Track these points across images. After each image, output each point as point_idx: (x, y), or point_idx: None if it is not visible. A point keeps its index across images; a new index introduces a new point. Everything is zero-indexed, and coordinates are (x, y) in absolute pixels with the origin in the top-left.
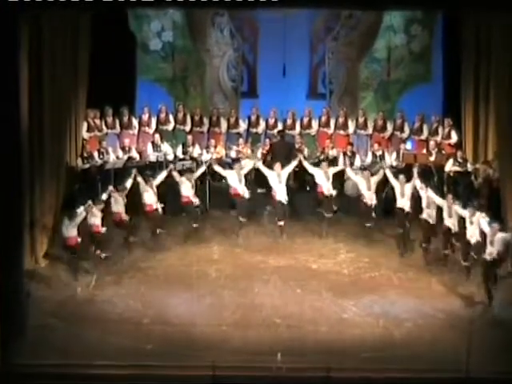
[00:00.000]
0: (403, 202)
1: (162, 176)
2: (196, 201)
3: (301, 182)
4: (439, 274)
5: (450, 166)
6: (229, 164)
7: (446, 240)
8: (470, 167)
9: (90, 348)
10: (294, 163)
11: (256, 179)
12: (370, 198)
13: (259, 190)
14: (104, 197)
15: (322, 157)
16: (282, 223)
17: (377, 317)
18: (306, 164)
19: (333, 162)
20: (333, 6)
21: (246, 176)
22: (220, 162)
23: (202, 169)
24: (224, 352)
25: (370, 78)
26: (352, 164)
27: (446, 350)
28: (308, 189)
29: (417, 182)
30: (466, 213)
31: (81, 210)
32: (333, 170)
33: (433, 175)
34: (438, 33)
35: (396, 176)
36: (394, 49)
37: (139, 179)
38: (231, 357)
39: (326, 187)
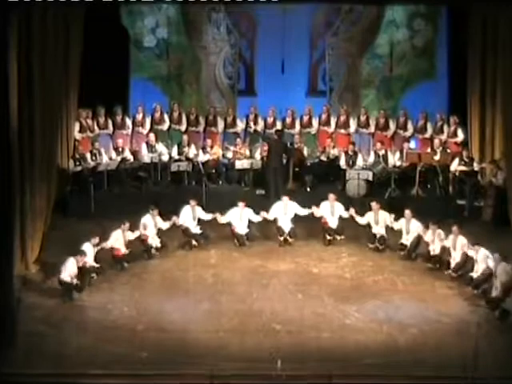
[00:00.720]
0: (407, 237)
1: (165, 225)
2: (197, 231)
3: (300, 183)
4: (444, 277)
5: (455, 166)
6: (225, 165)
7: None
8: (476, 166)
9: (82, 356)
10: (305, 212)
11: (254, 180)
12: (378, 232)
13: (258, 192)
14: (109, 244)
15: (322, 156)
16: (281, 238)
17: (380, 322)
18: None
19: (334, 161)
20: (333, 0)
21: (244, 178)
22: (217, 162)
23: (209, 216)
24: (222, 359)
25: (371, 74)
26: (354, 163)
27: (451, 355)
28: (308, 189)
29: (415, 224)
30: (472, 252)
31: (85, 247)
32: (339, 208)
33: (438, 175)
34: (443, 27)
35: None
36: (396, 44)
37: (146, 223)
38: (229, 364)
39: (332, 221)
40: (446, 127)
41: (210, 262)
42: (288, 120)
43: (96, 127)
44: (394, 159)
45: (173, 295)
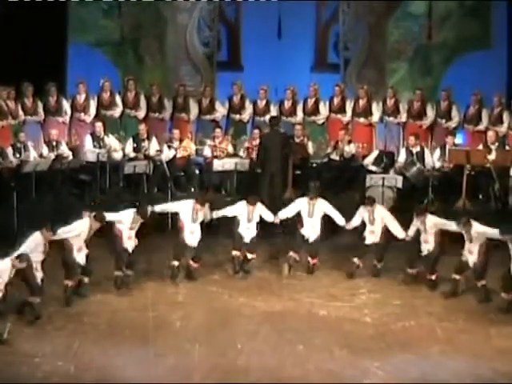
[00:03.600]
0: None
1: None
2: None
3: (302, 190)
4: (501, 322)
5: None
6: (199, 165)
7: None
8: None
9: None
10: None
11: (239, 187)
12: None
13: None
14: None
15: (333, 154)
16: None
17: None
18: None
19: (350, 160)
20: None
21: (225, 184)
22: (187, 161)
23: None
24: None
25: (402, 41)
26: (386, 171)
27: None
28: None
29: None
30: None
31: None
32: (322, 207)
33: (493, 181)
34: None
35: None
36: (437, 0)
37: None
38: None
39: (310, 227)
40: (506, 115)
41: (177, 299)
42: (286, 104)
43: (21, 112)
44: (433, 159)
45: (126, 345)
